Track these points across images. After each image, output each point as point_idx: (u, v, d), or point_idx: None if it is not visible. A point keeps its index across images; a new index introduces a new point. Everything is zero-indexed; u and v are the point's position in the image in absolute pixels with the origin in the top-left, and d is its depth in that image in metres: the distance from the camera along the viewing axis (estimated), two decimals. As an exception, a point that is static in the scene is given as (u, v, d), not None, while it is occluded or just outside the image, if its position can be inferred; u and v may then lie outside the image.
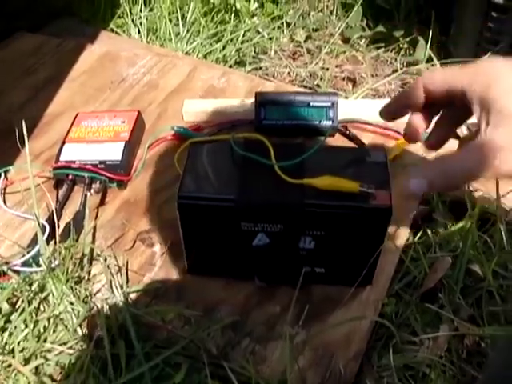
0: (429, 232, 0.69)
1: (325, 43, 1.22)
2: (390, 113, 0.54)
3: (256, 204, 0.54)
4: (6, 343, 0.58)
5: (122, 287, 0.62)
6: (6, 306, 0.60)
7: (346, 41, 1.27)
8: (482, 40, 1.04)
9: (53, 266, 0.62)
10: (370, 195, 0.52)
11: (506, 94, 0.44)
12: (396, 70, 1.15)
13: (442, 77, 0.49)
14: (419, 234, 0.69)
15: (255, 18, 1.27)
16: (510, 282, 0.63)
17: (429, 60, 1.15)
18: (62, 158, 0.75)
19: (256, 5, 1.29)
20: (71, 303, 0.60)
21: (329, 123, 0.77)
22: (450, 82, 0.48)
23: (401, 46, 1.22)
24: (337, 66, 1.17)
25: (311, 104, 0.77)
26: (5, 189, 0.75)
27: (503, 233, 0.67)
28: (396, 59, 1.20)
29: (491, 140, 0.43)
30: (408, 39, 1.20)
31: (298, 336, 0.58)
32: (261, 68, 1.16)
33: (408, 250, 0.66)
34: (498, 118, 0.44)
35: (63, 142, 0.77)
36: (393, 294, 0.63)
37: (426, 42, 1.15)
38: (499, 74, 0.45)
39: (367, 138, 0.79)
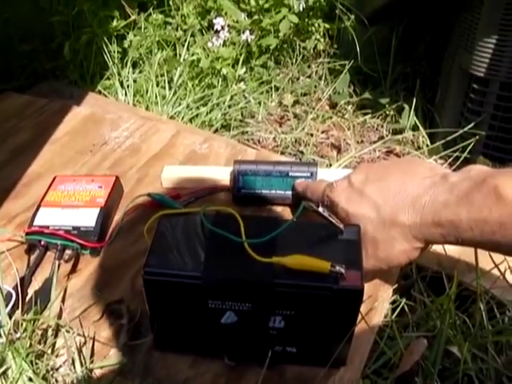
0: (406, 309, 0.67)
1: (311, 109, 1.22)
2: None
3: (223, 282, 0.52)
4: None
5: (84, 363, 0.60)
6: (-39, 380, 0.57)
7: (333, 106, 1.28)
8: (465, 110, 1.05)
9: (16, 337, 0.60)
10: (341, 275, 0.51)
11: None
12: (382, 137, 1.16)
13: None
14: (397, 312, 0.67)
15: (241, 84, 1.28)
16: (489, 366, 0.61)
17: (414, 128, 1.16)
18: (36, 222, 0.74)
19: (244, 69, 1.31)
20: (30, 379, 0.58)
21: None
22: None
23: (387, 112, 1.23)
24: (323, 132, 1.18)
25: (290, 174, 0.76)
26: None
27: (483, 312, 0.65)
28: (382, 126, 1.21)
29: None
30: (394, 106, 1.21)
31: (266, 421, 0.55)
32: (246, 132, 1.16)
33: (385, 329, 0.64)
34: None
35: (39, 206, 0.76)
36: (368, 374, 0.61)
37: (412, 110, 1.16)
38: None
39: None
